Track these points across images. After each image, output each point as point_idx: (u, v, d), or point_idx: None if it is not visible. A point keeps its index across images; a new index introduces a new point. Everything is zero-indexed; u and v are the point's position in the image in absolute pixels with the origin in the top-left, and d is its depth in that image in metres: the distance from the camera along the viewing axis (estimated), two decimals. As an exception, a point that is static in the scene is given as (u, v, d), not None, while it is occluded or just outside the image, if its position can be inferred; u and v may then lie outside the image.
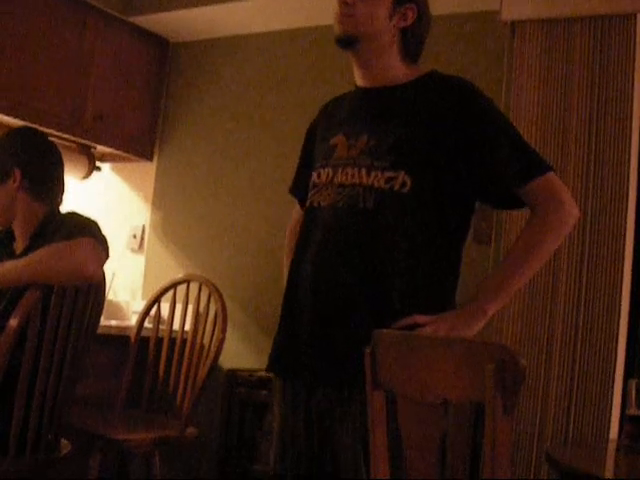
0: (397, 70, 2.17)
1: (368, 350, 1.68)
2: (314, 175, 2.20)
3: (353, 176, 2.07)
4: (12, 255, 2.73)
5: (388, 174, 2.03)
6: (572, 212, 2.06)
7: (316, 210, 2.15)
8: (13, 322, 2.41)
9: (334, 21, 2.15)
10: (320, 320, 2.06)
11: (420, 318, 1.97)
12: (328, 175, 2.14)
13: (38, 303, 2.47)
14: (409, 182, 2.02)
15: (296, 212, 2.47)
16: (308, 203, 2.20)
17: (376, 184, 2.04)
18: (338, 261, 2.06)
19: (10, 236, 2.84)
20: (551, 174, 2.07)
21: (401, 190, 2.02)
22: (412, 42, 2.18)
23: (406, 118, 2.10)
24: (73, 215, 2.77)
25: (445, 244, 2.11)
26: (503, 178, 2.05)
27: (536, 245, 2.03)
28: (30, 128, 3.18)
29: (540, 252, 2.04)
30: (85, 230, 2.62)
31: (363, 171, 2.06)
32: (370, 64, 2.17)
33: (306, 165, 2.34)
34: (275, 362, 2.20)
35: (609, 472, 2.27)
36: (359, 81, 2.23)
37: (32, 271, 2.50)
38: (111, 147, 4.32)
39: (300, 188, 2.38)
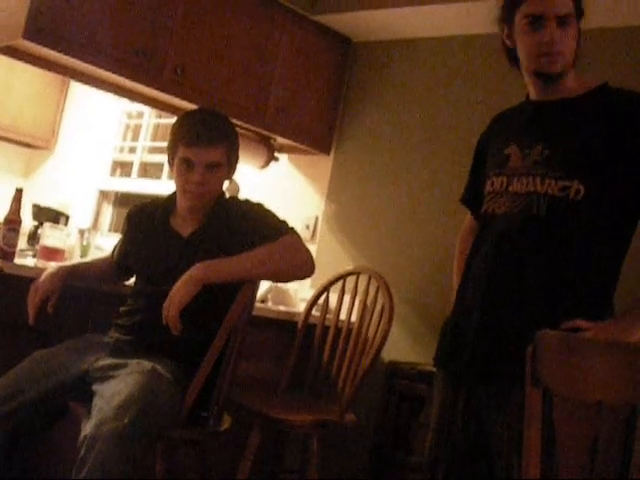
0: (570, 82, 2.18)
1: (530, 349, 1.72)
2: (488, 183, 2.24)
3: (527, 185, 2.11)
4: (175, 235, 2.75)
5: (562, 183, 2.06)
6: None
7: (491, 217, 2.20)
8: (236, 309, 2.57)
9: (541, 58, 2.13)
10: (489, 320, 2.12)
11: (582, 323, 2.00)
12: (502, 183, 2.18)
13: (253, 296, 2.62)
14: (583, 190, 2.05)
15: (468, 220, 2.52)
16: (483, 210, 2.25)
17: (550, 191, 2.06)
18: (510, 266, 2.12)
19: (158, 211, 2.84)
20: None
21: (575, 197, 2.05)
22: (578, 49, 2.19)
23: (580, 129, 2.12)
24: (252, 204, 2.81)
25: (611, 252, 2.12)
26: None
27: None
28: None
29: None
30: (285, 226, 2.71)
31: (537, 180, 2.09)
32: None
33: (477, 174, 2.39)
34: (441, 355, 2.28)
35: None
36: (532, 94, 2.25)
37: (256, 271, 2.57)
38: (290, 139, 4.43)
39: (472, 197, 2.43)
